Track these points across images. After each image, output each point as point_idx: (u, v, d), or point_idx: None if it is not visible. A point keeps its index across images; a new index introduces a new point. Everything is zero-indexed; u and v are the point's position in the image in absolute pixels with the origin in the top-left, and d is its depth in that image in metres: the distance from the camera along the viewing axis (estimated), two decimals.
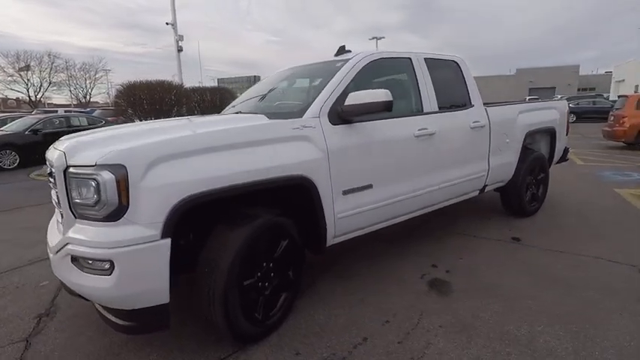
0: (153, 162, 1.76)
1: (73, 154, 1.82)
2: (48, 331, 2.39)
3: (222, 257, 1.91)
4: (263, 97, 3.13)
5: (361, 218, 2.59)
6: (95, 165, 1.72)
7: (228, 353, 2.07)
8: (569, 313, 2.35)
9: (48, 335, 2.34)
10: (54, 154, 1.94)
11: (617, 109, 10.53)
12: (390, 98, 2.31)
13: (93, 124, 11.39)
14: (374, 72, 2.84)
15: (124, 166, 1.71)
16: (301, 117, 2.35)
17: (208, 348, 2.11)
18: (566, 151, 4.85)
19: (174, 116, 10.55)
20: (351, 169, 2.47)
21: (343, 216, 2.47)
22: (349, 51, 3.01)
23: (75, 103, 46.11)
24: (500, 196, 4.27)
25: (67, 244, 1.84)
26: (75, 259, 1.83)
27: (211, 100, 12.36)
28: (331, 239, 2.50)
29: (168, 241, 1.77)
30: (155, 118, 10.23)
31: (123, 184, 1.70)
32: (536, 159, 4.21)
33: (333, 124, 2.41)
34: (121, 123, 11.77)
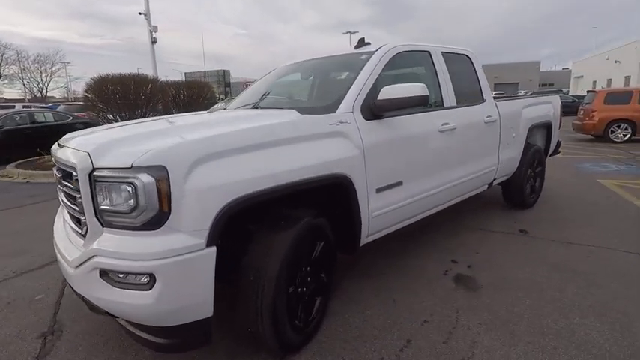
0: (196, 162, 1.59)
1: (101, 155, 1.62)
2: (58, 351, 2.15)
3: (269, 263, 1.77)
4: (278, 91, 2.98)
5: (393, 215, 2.52)
6: (131, 167, 1.53)
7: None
8: (598, 303, 2.40)
9: (59, 356, 2.10)
10: (72, 154, 1.72)
11: (586, 103, 11.11)
12: (427, 92, 2.24)
13: (60, 121, 10.61)
14: (398, 65, 2.76)
15: (164, 168, 1.53)
16: (334, 112, 2.24)
17: (248, 357, 1.97)
18: (558, 144, 5.01)
19: (150, 113, 10.01)
20: (384, 166, 2.39)
21: (377, 214, 2.39)
22: (369, 43, 2.91)
23: (29, 97, 43.05)
24: (502, 189, 4.35)
25: (93, 256, 1.64)
26: (105, 273, 1.63)
27: (189, 94, 11.86)
28: (365, 238, 2.41)
29: (213, 249, 1.62)
30: (130, 114, 9.65)
31: (164, 188, 1.53)
32: (535, 152, 4.31)
33: (366, 119, 2.31)
34: (92, 119, 11.07)
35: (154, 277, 1.54)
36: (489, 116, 3.38)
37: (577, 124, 11.01)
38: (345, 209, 2.23)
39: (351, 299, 2.54)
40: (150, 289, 1.55)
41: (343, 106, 2.27)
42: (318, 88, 3.02)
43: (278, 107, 2.58)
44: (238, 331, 2.07)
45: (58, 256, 1.97)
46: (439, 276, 2.84)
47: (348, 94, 2.33)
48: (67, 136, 2.20)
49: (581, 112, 11.07)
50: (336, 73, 2.76)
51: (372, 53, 2.61)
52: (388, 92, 2.28)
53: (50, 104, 19.66)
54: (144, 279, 1.56)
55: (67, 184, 1.85)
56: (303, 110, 2.28)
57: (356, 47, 2.89)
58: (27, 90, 44.48)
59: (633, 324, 2.18)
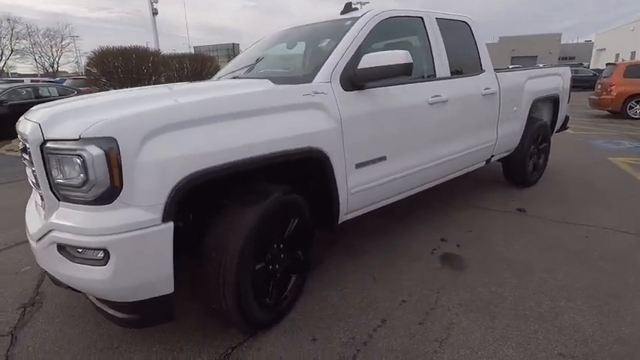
0: (150, 133, 1.50)
1: (50, 126, 1.54)
2: (35, 322, 2.17)
3: (233, 240, 1.71)
4: (261, 60, 2.83)
5: (375, 192, 2.41)
6: (79, 139, 1.45)
7: (239, 342, 1.92)
8: (588, 286, 2.29)
9: (35, 328, 2.12)
10: (26, 126, 1.65)
11: (604, 77, 10.54)
12: (410, 60, 2.08)
13: (64, 95, 10.60)
14: (385, 32, 2.58)
15: (114, 140, 1.45)
16: (310, 82, 2.10)
17: (216, 338, 1.95)
18: (566, 119, 4.76)
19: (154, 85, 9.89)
20: (365, 140, 2.27)
21: (357, 191, 2.28)
22: (356, 9, 2.72)
23: (42, 72, 43.28)
24: (502, 165, 4.18)
25: (50, 230, 1.59)
26: (62, 248, 1.59)
27: (192, 68, 11.67)
28: (343, 216, 2.32)
29: (170, 225, 1.55)
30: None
31: (114, 161, 1.45)
32: (540, 127, 4.10)
33: (345, 89, 2.17)
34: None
35: (108, 252, 1.49)
36: (487, 88, 3.18)
37: (593, 99, 10.50)
38: (321, 185, 2.13)
39: (330, 277, 2.49)
40: (105, 264, 1.51)
41: (320, 76, 2.13)
42: (298, 57, 2.86)
43: (256, 77, 2.45)
44: (203, 307, 2.04)
45: (26, 230, 1.94)
46: (425, 255, 2.76)
47: (326, 63, 2.19)
48: (33, 107, 2.13)
49: (599, 86, 10.53)
50: (320, 41, 2.60)
51: (356, 19, 2.43)
52: (369, 61, 2.12)
53: (58, 79, 19.69)
54: (99, 254, 1.51)
55: (25, 157, 1.79)
56: (278, 80, 2.14)
57: (342, 13, 2.71)
58: (39, 65, 44.68)
59: (623, 309, 2.07)
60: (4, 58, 39.86)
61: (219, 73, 3.15)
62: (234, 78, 2.68)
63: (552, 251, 2.75)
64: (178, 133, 1.57)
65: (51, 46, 44.32)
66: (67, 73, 45.81)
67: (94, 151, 1.43)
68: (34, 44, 42.72)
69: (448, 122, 2.84)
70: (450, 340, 1.88)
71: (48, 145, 1.52)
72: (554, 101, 4.35)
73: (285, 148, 1.84)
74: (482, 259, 2.66)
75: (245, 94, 1.84)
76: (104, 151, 1.44)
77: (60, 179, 1.53)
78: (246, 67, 2.85)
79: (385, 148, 2.41)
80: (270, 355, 1.83)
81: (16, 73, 40.71)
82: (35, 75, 38.66)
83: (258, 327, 1.93)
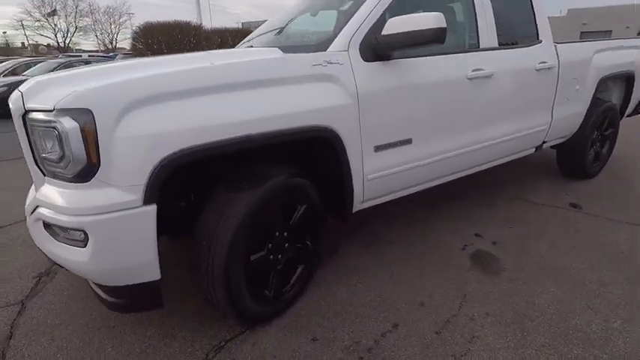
0: (129, 106, 1.34)
1: (31, 96, 1.43)
2: (45, 293, 2.18)
3: (223, 227, 1.54)
4: (281, 29, 2.58)
5: (396, 179, 2.13)
6: (54, 110, 1.32)
7: (235, 334, 1.78)
8: None
9: (44, 299, 2.13)
10: (12, 95, 1.55)
11: None
12: (443, 24, 1.73)
13: None
14: None
15: (90, 112, 1.30)
16: (325, 50, 1.83)
17: (212, 327, 1.83)
18: None
19: None
20: (387, 120, 1.98)
21: (375, 177, 2.02)
22: None
23: (102, 48, 45.88)
24: (556, 153, 3.66)
25: (37, 206, 1.51)
26: (48, 226, 1.51)
27: (233, 42, 11.64)
28: (358, 204, 2.08)
29: (152, 208, 1.40)
30: None
31: (90, 135, 1.31)
32: (607, 110, 3.49)
33: (365, 60, 1.88)
34: None
35: (86, 234, 1.38)
36: (543, 62, 2.70)
37: None
38: (332, 169, 1.90)
39: (344, 269, 2.27)
40: (84, 246, 1.40)
41: (336, 44, 1.85)
42: (319, 23, 2.56)
43: (269, 45, 2.21)
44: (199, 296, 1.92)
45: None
46: (455, 251, 2.45)
47: (344, 28, 1.89)
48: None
49: None
50: (341, 4, 2.29)
51: None
52: (394, 25, 1.81)
53: (111, 54, 20.72)
54: (78, 235, 1.41)
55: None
56: (289, 49, 1.89)
57: None
58: (99, 41, 47.35)
59: None
60: (69, 35, 42.65)
61: (240, 43, 2.95)
62: (250, 47, 2.46)
63: (609, 259, 2.33)
64: (162, 106, 1.40)
65: (110, 24, 46.68)
66: (125, 49, 48.22)
67: (68, 123, 1.30)
68: (95, 22, 45.23)
69: (491, 101, 2.44)
70: (470, 358, 1.61)
71: (29, 115, 1.42)
72: (627, 79, 3.70)
73: (288, 126, 1.61)
74: (521, 262, 2.31)
75: (243, 64, 1.62)
76: (78, 124, 1.30)
77: (43, 153, 1.43)
78: (265, 34, 2.62)
79: (411, 130, 2.10)
80: (264, 353, 1.68)
81: (80, 50, 43.50)
82: (96, 51, 41.06)
83: (253, 321, 1.79)
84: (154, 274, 1.50)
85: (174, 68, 1.52)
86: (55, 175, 1.43)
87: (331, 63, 1.77)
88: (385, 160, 2.04)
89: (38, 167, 1.49)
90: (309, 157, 1.95)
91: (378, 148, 1.99)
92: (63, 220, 1.39)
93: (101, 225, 1.36)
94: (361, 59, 1.87)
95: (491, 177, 3.71)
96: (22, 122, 1.45)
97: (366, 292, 2.06)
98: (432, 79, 2.11)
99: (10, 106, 1.48)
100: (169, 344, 1.75)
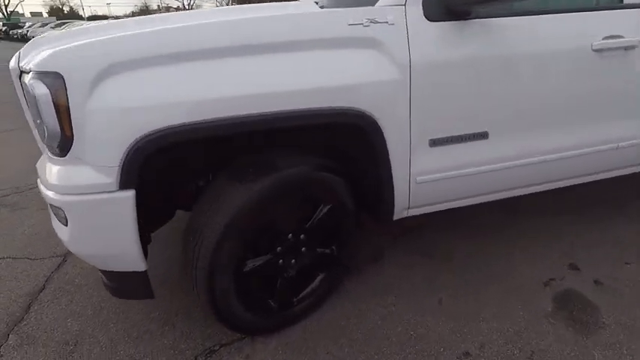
0: (106, 70, 1.12)
1: (25, 55, 1.31)
2: (68, 272, 2.17)
3: (212, 224, 1.28)
4: None
5: (458, 185, 1.62)
6: (29, 71, 1.17)
7: (232, 339, 1.56)
8: None
9: (65, 278, 2.08)
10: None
11: None
12: None
13: None
14: None
15: (60, 76, 1.11)
16: (373, 4, 1.36)
17: (213, 324, 1.62)
18: None
19: None
20: (453, 104, 1.45)
21: (427, 180, 1.54)
22: None
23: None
24: None
25: (38, 177, 1.44)
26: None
27: None
28: (402, 211, 1.63)
29: (130, 194, 1.20)
30: None
31: (62, 104, 1.13)
32: None
33: (430, 18, 1.36)
34: None
35: (65, 213, 1.25)
36: None
37: None
38: (367, 165, 1.48)
39: (381, 284, 1.87)
40: (66, 225, 1.28)
41: None
42: None
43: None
44: None
45: None
46: (533, 285, 1.84)
47: None
48: None
49: None
50: None
51: None
52: None
53: None
54: (61, 213, 1.29)
55: None
56: (331, 3, 1.47)
57: None
58: (218, 3, 50.84)
59: None
60: None
61: None
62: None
63: None
64: (147, 72, 1.15)
65: None
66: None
67: (40, 89, 1.13)
68: None
69: (624, 86, 1.68)
70: None
71: (22, 77, 1.30)
72: None
73: (300, 107, 1.23)
74: (633, 320, 1.62)
75: (253, 20, 1.25)
76: (49, 90, 1.12)
77: (32, 120, 1.32)
78: None
79: (489, 120, 1.54)
80: None
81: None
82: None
83: (249, 332, 1.54)
84: (137, 265, 1.32)
85: (169, 25, 1.24)
86: (44, 147, 1.32)
87: (376, 22, 1.30)
88: (444, 159, 1.53)
89: (38, 133, 1.40)
90: (346, 145, 1.56)
91: (434, 143, 1.49)
92: (48, 195, 1.27)
93: (76, 206, 1.22)
94: (424, 17, 1.35)
95: (597, 184, 2.79)
96: (18, 82, 1.35)
97: (399, 321, 1.65)
98: (534, 50, 1.48)
99: (10, 65, 1.39)
100: (166, 334, 1.62)
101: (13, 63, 1.33)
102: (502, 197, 1.80)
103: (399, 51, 1.32)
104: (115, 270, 1.36)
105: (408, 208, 1.62)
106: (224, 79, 1.17)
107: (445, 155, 1.52)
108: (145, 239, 1.47)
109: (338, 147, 1.54)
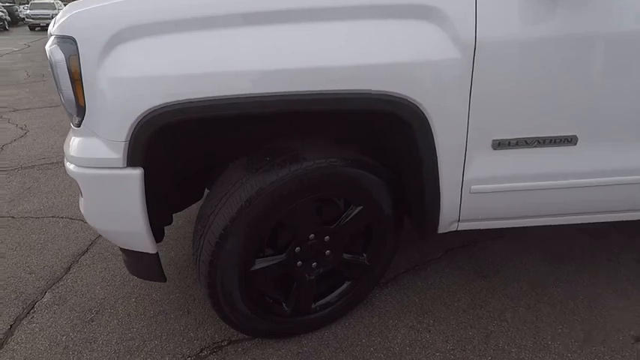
0: (119, 35, 1.02)
1: (59, 18, 1.27)
2: (103, 243, 2.27)
3: (220, 214, 1.15)
4: None
5: (528, 200, 1.28)
6: (51, 36, 1.12)
7: (242, 338, 1.45)
8: None
9: (99, 248, 2.16)
10: None
11: None
12: None
13: None
14: None
15: (74, 41, 1.04)
16: None
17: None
18: None
19: None
20: (530, 97, 1.12)
21: (485, 190, 1.24)
22: None
23: None
24: None
25: None
26: None
27: None
28: (450, 224, 1.35)
29: (137, 173, 1.11)
30: None
31: (75, 71, 1.06)
32: None
33: None
34: None
35: (79, 185, 1.22)
36: None
37: None
38: (411, 165, 1.23)
39: (419, 303, 1.62)
40: (82, 196, 1.25)
41: None
42: None
43: None
44: None
45: None
46: (620, 337, 1.44)
47: None
48: None
49: None
50: None
51: None
52: None
53: None
54: (77, 183, 1.26)
55: None
56: None
57: None
58: None
59: None
60: None
61: None
62: None
63: None
64: (160, 40, 1.03)
65: None
66: None
67: (56, 54, 1.07)
68: None
69: None
70: None
71: None
72: None
73: (325, 88, 1.02)
74: None
75: None
76: (64, 56, 1.06)
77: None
78: None
79: (581, 121, 1.17)
80: None
81: None
82: None
83: (252, 334, 1.41)
84: (146, 247, 1.26)
85: None
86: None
87: None
88: (511, 166, 1.21)
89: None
90: (387, 139, 1.32)
91: (499, 144, 1.17)
92: (66, 165, 1.25)
93: (87, 180, 1.17)
94: None
95: None
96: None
97: (431, 350, 1.40)
98: None
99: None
100: (179, 319, 1.56)
101: (51, 27, 1.32)
102: (587, 221, 1.41)
103: (461, 22, 1.03)
104: (124, 248, 1.31)
105: (458, 221, 1.33)
106: (247, 51, 1.01)
107: (513, 161, 1.20)
108: (162, 219, 1.41)
109: (378, 141, 1.31)
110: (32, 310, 1.63)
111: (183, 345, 1.44)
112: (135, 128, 1.05)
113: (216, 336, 1.47)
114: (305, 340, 1.44)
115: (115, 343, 1.46)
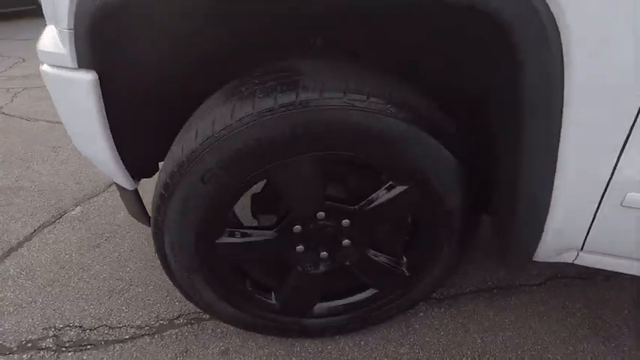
0: None
1: None
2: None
3: (175, 156, 0.79)
4: None
5: None
6: None
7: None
8: None
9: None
10: None
11: None
12: None
13: None
14: None
15: None
16: None
17: None
18: None
19: None
20: None
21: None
22: None
23: None
24: None
25: None
26: None
27: None
28: (562, 250, 0.75)
29: (89, 77, 0.80)
30: None
31: None
32: None
33: None
34: None
35: None
36: None
37: None
38: (502, 134, 0.66)
39: (473, 350, 1.08)
40: None
41: None
42: None
43: None
44: None
45: None
46: None
47: None
48: None
49: None
50: None
51: None
52: None
53: None
54: None
55: None
56: None
57: None
58: None
59: None
60: None
61: None
62: None
63: None
64: None
65: None
66: None
67: None
68: None
69: None
70: None
71: None
72: None
73: None
74: None
75: None
76: None
77: None
78: None
79: None
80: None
81: None
82: None
83: (229, 323, 1.07)
84: (119, 179, 1.00)
85: None
86: None
87: None
88: None
89: None
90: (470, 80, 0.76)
91: None
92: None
93: (47, 78, 0.92)
94: None
95: None
96: None
97: None
98: None
99: None
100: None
101: None
102: None
103: None
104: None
105: (580, 249, 0.73)
106: None
107: None
108: (145, 158, 1.09)
109: (453, 85, 0.76)
110: (59, 220, 1.60)
111: (163, 304, 1.21)
112: (81, 16, 0.73)
113: (185, 308, 1.20)
114: (300, 346, 1.07)
115: (103, 278, 1.31)
